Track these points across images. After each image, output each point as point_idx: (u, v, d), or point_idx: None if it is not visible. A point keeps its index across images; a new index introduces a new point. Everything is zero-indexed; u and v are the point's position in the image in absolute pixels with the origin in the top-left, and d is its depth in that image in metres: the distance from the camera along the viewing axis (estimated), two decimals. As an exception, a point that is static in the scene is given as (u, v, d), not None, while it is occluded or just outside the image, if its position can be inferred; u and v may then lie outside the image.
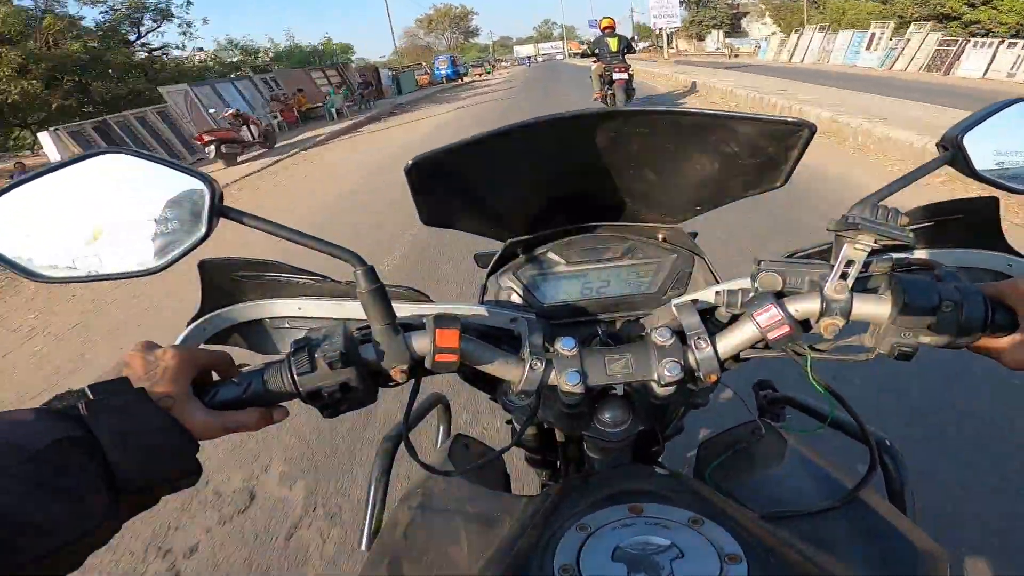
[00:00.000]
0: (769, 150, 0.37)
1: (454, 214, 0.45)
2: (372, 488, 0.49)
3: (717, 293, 0.37)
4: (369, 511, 0.48)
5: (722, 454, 0.48)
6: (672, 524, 0.29)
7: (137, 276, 0.33)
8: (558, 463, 0.57)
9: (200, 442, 0.30)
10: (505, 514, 0.39)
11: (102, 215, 0.32)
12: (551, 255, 0.46)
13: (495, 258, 0.47)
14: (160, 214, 0.33)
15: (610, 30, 5.77)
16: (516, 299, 0.46)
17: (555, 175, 0.43)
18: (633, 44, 6.16)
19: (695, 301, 0.39)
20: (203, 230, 0.32)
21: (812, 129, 0.35)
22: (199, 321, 0.42)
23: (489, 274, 0.48)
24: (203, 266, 0.42)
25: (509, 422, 0.51)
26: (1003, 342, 0.31)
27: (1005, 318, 0.31)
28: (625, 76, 5.47)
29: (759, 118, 0.35)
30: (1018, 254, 0.41)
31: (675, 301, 0.40)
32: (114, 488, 0.26)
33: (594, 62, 5.96)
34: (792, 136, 0.36)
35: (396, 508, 0.43)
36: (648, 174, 0.42)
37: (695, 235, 0.52)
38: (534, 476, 0.64)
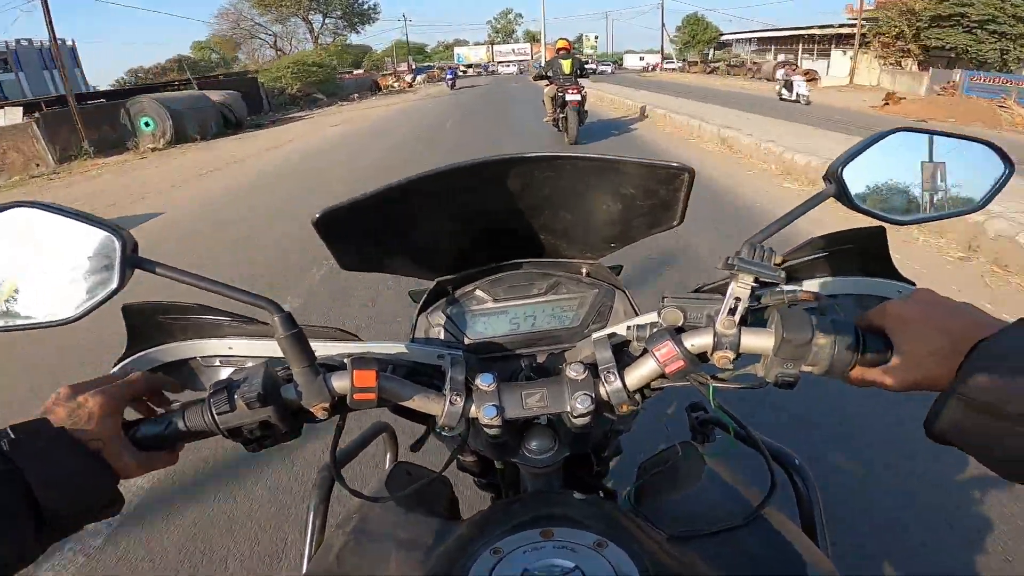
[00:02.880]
0: (660, 192, 0.43)
1: (376, 259, 0.48)
2: (311, 515, 0.52)
3: (628, 328, 0.42)
4: (309, 537, 0.52)
5: (644, 476, 0.53)
6: (578, 547, 0.32)
7: (49, 327, 0.35)
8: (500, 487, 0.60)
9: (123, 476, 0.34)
10: (435, 538, 0.42)
11: (14, 268, 0.34)
12: (479, 292, 0.50)
13: (424, 296, 0.51)
14: (74, 266, 0.35)
15: (564, 51, 5.90)
16: (446, 335, 0.49)
17: (473, 218, 0.47)
18: (586, 67, 6.26)
19: (611, 336, 0.43)
20: (115, 283, 0.34)
21: (691, 173, 0.40)
22: (126, 361, 0.44)
23: (419, 311, 0.51)
24: (127, 310, 0.44)
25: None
26: (879, 369, 0.35)
27: (877, 346, 0.35)
28: (578, 98, 5.54)
29: (644, 163, 0.40)
30: (907, 281, 0.46)
31: (594, 335, 0.44)
32: (39, 518, 0.29)
33: (547, 85, 5.96)
34: (675, 179, 0.41)
35: (331, 533, 0.46)
36: (563, 214, 0.47)
37: (620, 268, 0.56)
38: (487, 499, 0.69)
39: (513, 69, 39.46)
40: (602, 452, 0.55)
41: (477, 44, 53.35)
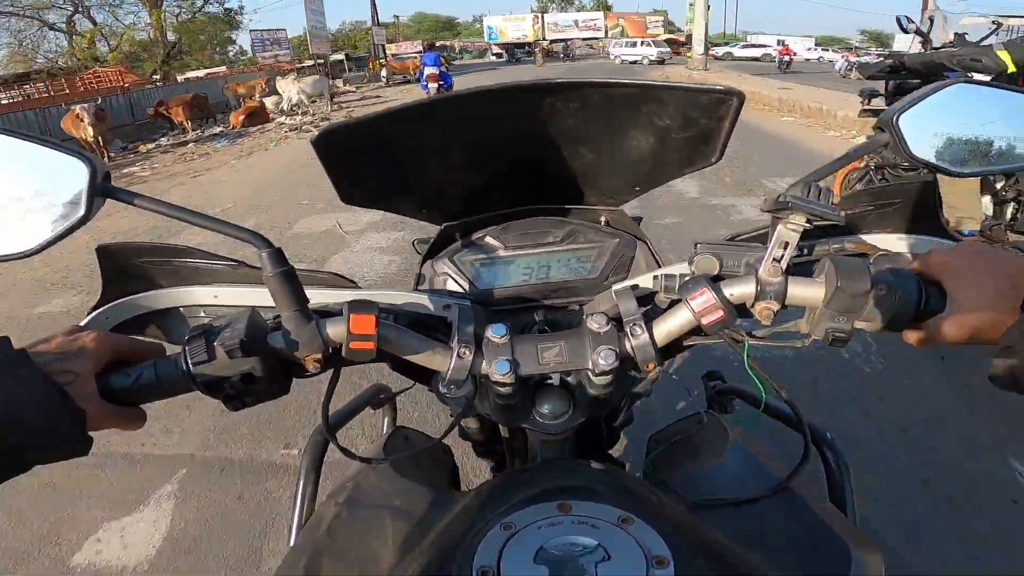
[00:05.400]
0: (701, 121, 0.57)
1: (379, 193, 0.65)
2: (301, 482, 0.68)
3: (655, 278, 0.55)
4: (297, 506, 0.67)
5: (663, 446, 0.69)
6: (600, 523, 0.40)
7: (8, 260, 0.46)
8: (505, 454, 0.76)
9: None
10: (437, 509, 0.56)
11: None
12: (489, 240, 0.68)
13: (431, 243, 0.70)
14: (37, 195, 0.46)
15: None
16: (452, 285, 0.66)
17: (488, 153, 0.63)
18: None
19: (635, 287, 0.58)
20: (82, 211, 0.45)
21: (741, 97, 0.53)
22: (102, 309, 0.59)
23: (424, 259, 0.69)
24: (102, 251, 0.59)
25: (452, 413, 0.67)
26: (936, 322, 0.47)
27: (937, 298, 0.47)
28: None
29: (688, 87, 0.54)
30: (954, 238, 0.62)
31: (615, 287, 0.58)
32: None
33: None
34: (722, 106, 0.54)
35: (325, 501, 0.61)
36: (585, 152, 0.64)
37: (639, 219, 0.77)
38: (486, 467, 0.86)
39: (633, 53, 38.26)
40: (614, 420, 0.73)
41: (514, 16, 52.03)
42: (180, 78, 22.95)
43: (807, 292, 0.49)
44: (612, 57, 40.21)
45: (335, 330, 0.50)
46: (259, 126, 13.11)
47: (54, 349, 0.47)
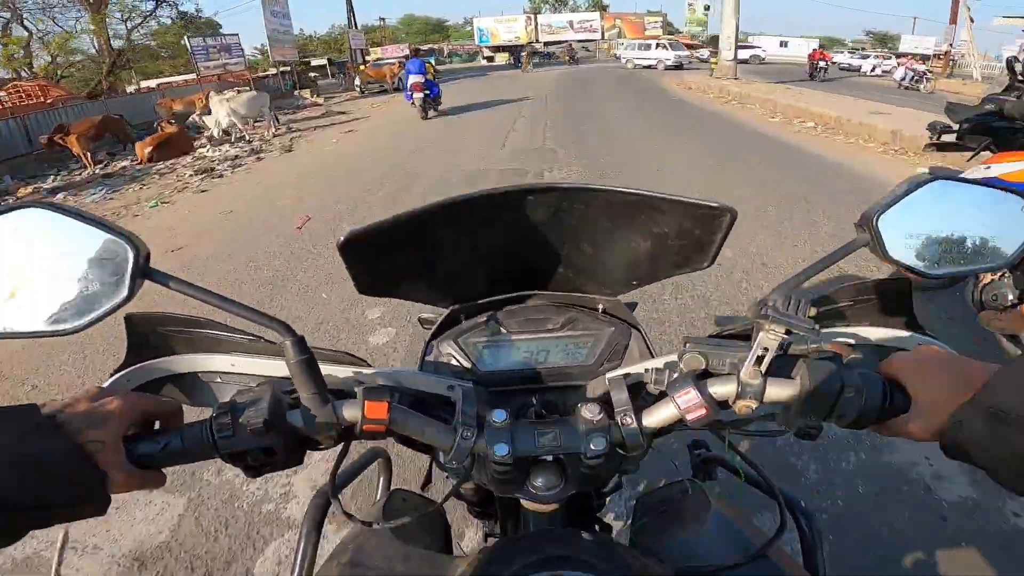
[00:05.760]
0: (695, 232, 0.63)
1: (393, 284, 0.71)
2: (302, 543, 0.72)
3: (646, 371, 0.60)
4: (297, 567, 0.70)
5: (648, 513, 0.75)
6: None
7: (52, 336, 0.50)
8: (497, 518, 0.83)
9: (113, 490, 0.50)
10: (436, 574, 0.61)
11: (21, 271, 0.48)
12: (492, 324, 0.74)
13: (437, 323, 0.76)
14: (82, 274, 0.49)
15: None
16: (456, 364, 0.72)
17: (497, 247, 0.70)
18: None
19: (627, 376, 0.64)
20: (124, 293, 0.49)
21: (733, 215, 0.60)
22: (124, 372, 0.64)
23: (431, 338, 0.75)
24: (129, 319, 0.65)
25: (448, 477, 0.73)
26: (902, 420, 0.54)
27: (901, 399, 0.54)
28: None
29: (684, 201, 0.60)
30: (928, 334, 0.68)
31: (609, 375, 0.64)
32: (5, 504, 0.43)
33: None
34: (715, 220, 0.61)
35: (325, 563, 0.66)
36: (586, 248, 0.70)
37: (634, 306, 0.84)
38: (478, 525, 0.96)
39: (647, 57, 34.04)
40: (603, 488, 0.79)
41: (506, 18, 49.71)
42: (131, 89, 19.59)
43: (783, 392, 0.55)
44: (623, 61, 36.74)
45: (350, 412, 0.55)
46: (175, 159, 10.34)
47: (81, 414, 0.50)
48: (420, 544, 0.70)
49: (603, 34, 49.89)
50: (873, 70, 32.14)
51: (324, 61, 32.74)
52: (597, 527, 0.86)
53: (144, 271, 0.50)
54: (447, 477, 0.70)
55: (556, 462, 0.60)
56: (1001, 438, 0.46)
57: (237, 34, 20.20)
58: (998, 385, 0.48)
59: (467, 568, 0.57)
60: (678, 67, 31.52)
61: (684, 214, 0.62)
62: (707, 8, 55.81)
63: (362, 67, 25.39)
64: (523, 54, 35.59)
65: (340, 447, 0.60)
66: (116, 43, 25.42)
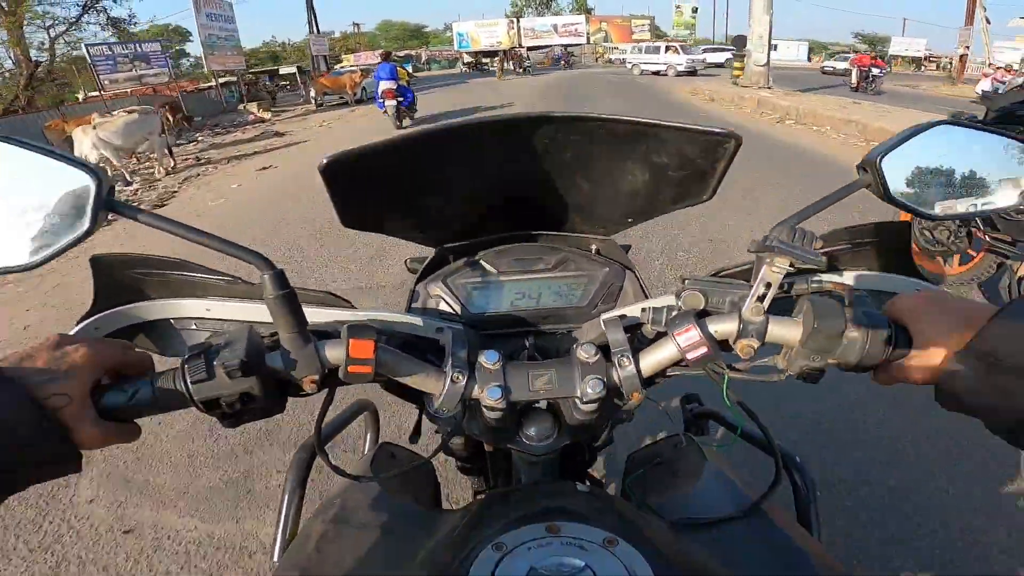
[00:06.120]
0: (697, 162, 0.63)
1: (379, 217, 0.69)
2: (286, 498, 0.71)
3: (643, 310, 0.60)
4: (282, 522, 0.70)
5: (642, 467, 0.75)
6: (588, 544, 0.44)
7: (10, 272, 0.49)
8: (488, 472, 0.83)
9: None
10: (425, 529, 0.59)
11: None
12: (483, 264, 0.72)
13: (425, 264, 0.74)
14: (42, 207, 0.48)
15: None
16: (445, 307, 0.70)
17: (489, 181, 0.68)
18: None
19: (623, 317, 0.62)
20: (86, 225, 0.47)
21: (738, 140, 0.60)
22: (91, 319, 0.61)
23: (418, 280, 0.73)
24: (97, 261, 0.63)
25: (438, 430, 0.72)
26: (903, 363, 0.53)
27: (904, 341, 0.53)
28: None
29: (688, 128, 0.59)
30: (923, 278, 0.68)
31: (604, 316, 0.63)
32: None
33: None
34: (719, 147, 0.61)
35: (311, 519, 0.64)
36: (582, 183, 0.69)
37: (629, 248, 0.83)
38: (466, 483, 0.95)
39: (655, 62, 30.14)
40: (596, 441, 0.76)
41: (487, 22, 47.17)
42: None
43: (786, 331, 0.55)
44: (628, 66, 33.57)
45: (333, 353, 0.53)
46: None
47: (42, 367, 0.48)
48: (408, 499, 0.68)
49: (589, 38, 47.70)
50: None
51: (293, 69, 30.85)
52: (588, 482, 0.86)
53: (108, 203, 0.49)
54: (436, 431, 0.69)
55: (549, 410, 0.61)
56: (993, 385, 0.46)
57: (158, 41, 17.01)
58: (990, 330, 0.48)
59: (459, 521, 0.57)
60: (691, 73, 28.51)
61: (686, 142, 0.62)
62: (695, 10, 53.85)
63: (318, 77, 22.39)
64: (497, 60, 32.51)
65: (324, 395, 0.58)
66: (39, 54, 21.96)
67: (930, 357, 0.51)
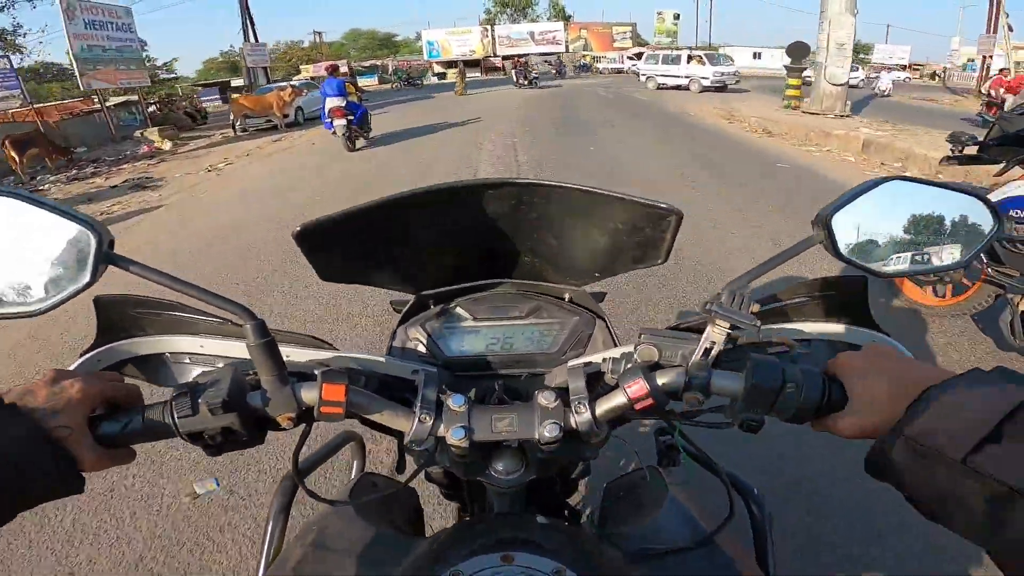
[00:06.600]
0: (646, 231, 0.69)
1: (356, 272, 0.75)
2: (270, 524, 0.76)
3: (604, 360, 0.66)
4: (266, 547, 0.75)
5: (611, 498, 0.80)
6: (537, 575, 0.48)
7: (18, 317, 0.54)
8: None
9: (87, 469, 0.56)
10: (397, 555, 0.64)
11: None
12: (459, 310, 0.78)
13: (405, 309, 0.80)
14: (47, 259, 0.53)
15: None
16: (422, 350, 0.76)
17: (460, 237, 0.75)
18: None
19: (587, 364, 0.68)
20: (87, 278, 0.52)
21: (679, 215, 0.66)
22: (93, 352, 0.68)
23: (399, 323, 0.79)
24: (98, 301, 0.69)
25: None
26: (837, 418, 0.57)
27: (839, 396, 0.57)
28: None
29: (633, 200, 0.66)
30: (881, 330, 0.73)
31: (570, 363, 0.69)
32: None
33: None
34: (663, 220, 0.67)
35: (291, 543, 0.69)
36: (549, 240, 0.75)
37: (603, 295, 0.91)
38: (453, 509, 1.00)
39: (674, 75, 24.88)
40: (568, 474, 0.83)
41: (459, 30, 43.29)
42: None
43: (729, 385, 0.59)
44: (641, 78, 28.06)
45: (308, 394, 0.59)
46: None
47: (43, 403, 0.54)
48: (390, 526, 0.74)
49: (567, 46, 44.40)
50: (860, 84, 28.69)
51: (243, 82, 28.72)
52: (566, 511, 0.91)
53: (107, 256, 0.53)
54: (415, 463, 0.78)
55: (519, 447, 0.65)
56: (919, 470, 0.47)
57: (7, 54, 13.01)
58: (915, 414, 0.49)
59: (424, 549, 0.61)
60: (719, 88, 23.24)
61: (634, 212, 0.68)
62: (677, 17, 50.99)
63: (237, 97, 18.53)
64: (456, 72, 28.52)
65: (303, 428, 0.65)
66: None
67: (860, 422, 0.55)
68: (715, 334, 0.56)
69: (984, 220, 0.61)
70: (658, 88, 24.61)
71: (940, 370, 0.52)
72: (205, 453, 0.58)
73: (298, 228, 0.61)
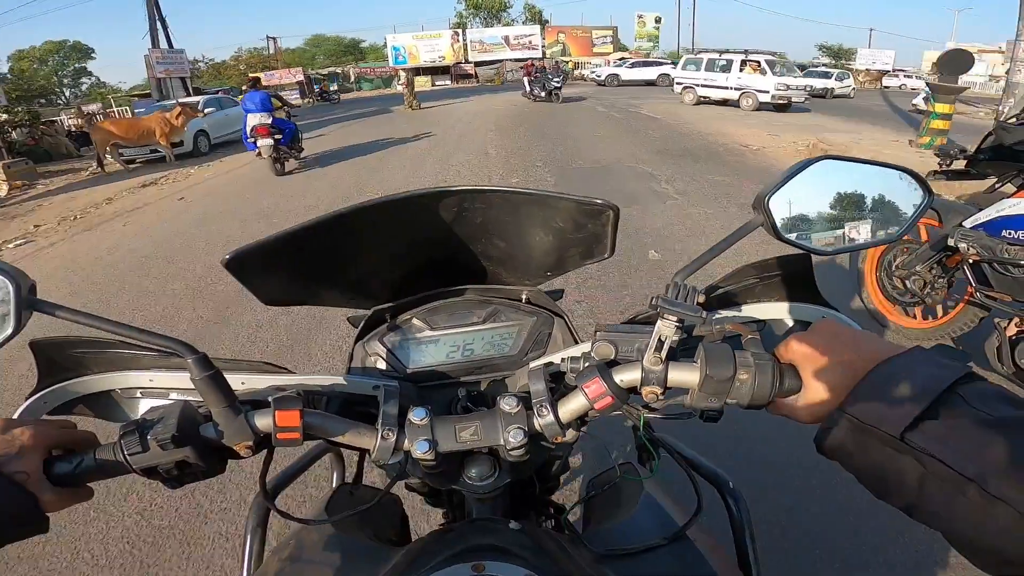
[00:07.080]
0: (588, 226, 0.70)
1: (302, 292, 0.74)
2: (248, 541, 0.76)
3: (563, 360, 0.65)
4: (245, 564, 0.75)
5: (582, 501, 0.82)
6: None
7: None
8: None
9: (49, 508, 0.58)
10: (372, 567, 0.64)
11: None
12: (416, 321, 0.78)
13: (361, 325, 0.79)
14: None
15: None
16: (383, 365, 0.75)
17: (405, 248, 0.74)
18: None
19: (548, 365, 0.68)
20: (11, 326, 0.50)
21: (615, 210, 0.67)
22: (38, 395, 0.66)
23: (356, 340, 0.78)
24: (35, 345, 0.66)
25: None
26: (791, 401, 0.58)
27: (792, 379, 0.57)
28: None
29: (572, 198, 0.67)
30: (829, 305, 0.75)
31: (530, 365, 0.69)
32: None
33: None
34: (601, 215, 0.68)
35: (267, 559, 0.69)
36: (498, 243, 0.75)
37: (561, 293, 0.88)
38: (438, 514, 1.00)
39: (721, 87, 18.84)
40: (548, 473, 0.82)
41: (427, 34, 39.43)
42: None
43: (684, 377, 0.59)
44: (676, 89, 21.23)
45: (263, 421, 0.58)
46: None
47: (11, 453, 0.55)
48: (370, 535, 0.73)
49: (544, 52, 40.77)
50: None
51: (154, 97, 24.02)
52: (551, 509, 0.91)
53: (29, 302, 0.52)
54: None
55: (490, 452, 0.65)
56: (863, 448, 0.48)
57: None
58: (858, 392, 0.50)
59: (399, 559, 0.61)
60: (782, 107, 17.11)
61: (573, 210, 0.69)
62: (658, 20, 47.91)
63: (102, 122, 13.38)
64: (401, 86, 24.55)
65: (265, 453, 0.65)
66: None
67: (814, 406, 0.55)
68: (665, 328, 0.57)
69: (916, 193, 0.64)
70: (698, 102, 18.95)
71: (887, 344, 0.53)
72: (165, 486, 0.58)
73: (227, 256, 0.61)
